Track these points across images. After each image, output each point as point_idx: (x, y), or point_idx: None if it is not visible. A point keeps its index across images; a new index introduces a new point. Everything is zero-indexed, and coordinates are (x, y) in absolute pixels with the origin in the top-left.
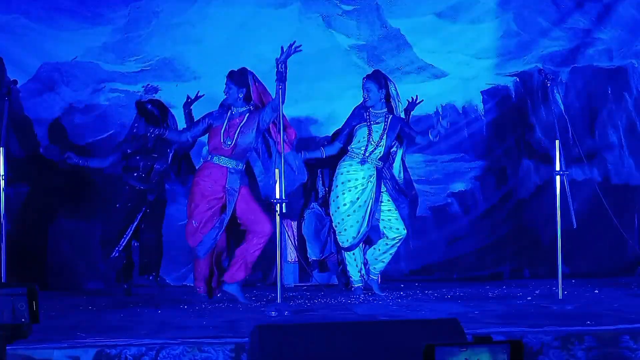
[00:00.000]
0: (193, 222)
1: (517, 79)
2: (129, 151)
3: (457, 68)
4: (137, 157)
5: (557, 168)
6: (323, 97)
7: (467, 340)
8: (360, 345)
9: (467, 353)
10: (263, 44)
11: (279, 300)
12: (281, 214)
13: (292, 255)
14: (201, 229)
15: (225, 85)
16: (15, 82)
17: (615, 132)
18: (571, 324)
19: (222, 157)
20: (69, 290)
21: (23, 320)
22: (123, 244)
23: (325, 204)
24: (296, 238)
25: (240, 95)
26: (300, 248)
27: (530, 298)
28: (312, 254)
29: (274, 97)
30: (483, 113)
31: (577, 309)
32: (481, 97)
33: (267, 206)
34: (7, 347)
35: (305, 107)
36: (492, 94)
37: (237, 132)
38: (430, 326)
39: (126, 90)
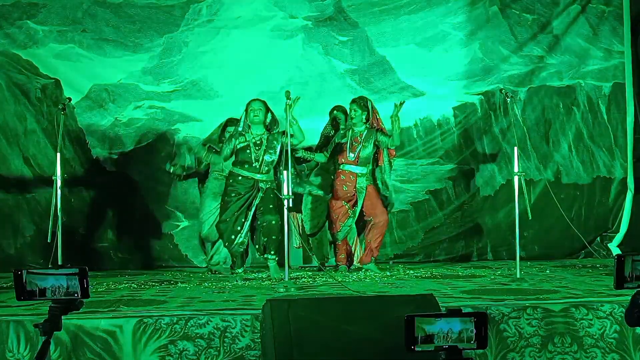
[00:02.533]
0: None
1: (483, 97)
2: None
3: (433, 88)
4: (248, 151)
5: (516, 170)
6: (322, 113)
7: (441, 312)
8: (352, 316)
9: (442, 322)
10: (274, 69)
11: (286, 279)
12: (288, 208)
13: (297, 241)
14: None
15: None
16: (69, 99)
17: (565, 140)
18: (527, 298)
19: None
20: (114, 270)
21: (76, 295)
22: (245, 230)
23: None
24: (301, 227)
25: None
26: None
27: (493, 277)
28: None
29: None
30: (454, 125)
31: (531, 286)
32: (453, 112)
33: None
34: (63, 318)
35: (307, 121)
36: (462, 110)
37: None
38: (410, 300)
39: (162, 107)
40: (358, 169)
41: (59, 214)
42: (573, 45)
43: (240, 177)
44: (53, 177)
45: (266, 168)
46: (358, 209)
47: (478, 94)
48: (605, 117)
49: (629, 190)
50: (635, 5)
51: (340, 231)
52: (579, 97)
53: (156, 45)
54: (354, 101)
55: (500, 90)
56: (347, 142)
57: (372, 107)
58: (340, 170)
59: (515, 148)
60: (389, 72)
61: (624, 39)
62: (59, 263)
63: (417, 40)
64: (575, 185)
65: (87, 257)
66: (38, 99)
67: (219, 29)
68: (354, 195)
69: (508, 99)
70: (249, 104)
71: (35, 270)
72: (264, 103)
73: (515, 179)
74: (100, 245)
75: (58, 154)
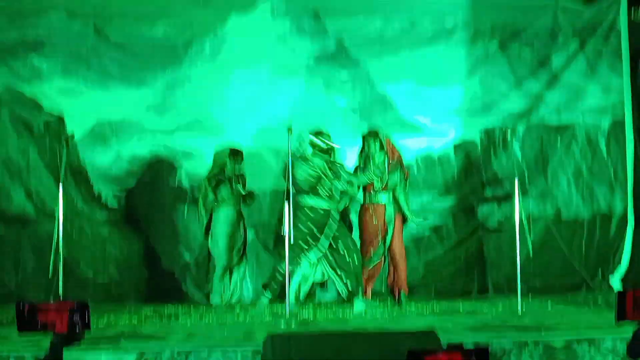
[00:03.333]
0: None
1: (482, 133)
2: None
3: (433, 124)
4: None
5: (516, 205)
6: None
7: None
8: (353, 352)
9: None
10: (276, 105)
11: (287, 314)
12: (289, 244)
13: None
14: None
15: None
16: (72, 134)
17: (564, 176)
18: (528, 334)
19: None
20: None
21: (77, 328)
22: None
23: None
24: None
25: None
26: None
27: (495, 313)
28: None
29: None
30: (455, 161)
31: (533, 321)
32: (453, 148)
33: None
34: (64, 351)
35: None
36: (462, 146)
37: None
38: (412, 336)
39: (165, 143)
40: (385, 197)
41: (60, 248)
42: (571, 81)
43: None
44: (55, 212)
45: None
46: (389, 239)
47: (478, 130)
48: (605, 152)
49: (629, 225)
50: (634, 40)
51: (370, 260)
52: (577, 133)
53: (160, 81)
54: (368, 135)
55: (501, 129)
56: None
57: (386, 137)
58: (367, 204)
59: (516, 184)
60: (390, 109)
61: (622, 75)
62: (60, 297)
63: (418, 76)
64: (575, 220)
65: (88, 291)
66: (41, 134)
67: (222, 66)
68: (385, 226)
69: (508, 136)
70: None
71: (37, 303)
72: None
73: (516, 214)
74: (102, 279)
75: (60, 189)
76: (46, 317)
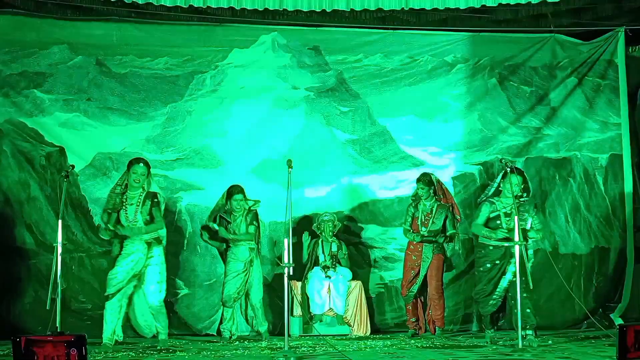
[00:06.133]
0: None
1: (481, 167)
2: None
3: (433, 158)
4: None
5: (516, 239)
6: (324, 181)
7: None
8: None
9: None
10: (276, 138)
11: (286, 348)
12: (288, 276)
13: (297, 310)
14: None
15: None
16: (72, 166)
17: (562, 211)
18: None
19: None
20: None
21: None
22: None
23: (325, 267)
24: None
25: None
26: (304, 304)
27: (495, 347)
28: (314, 309)
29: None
30: (454, 194)
31: (534, 356)
32: (452, 181)
33: None
34: None
35: (309, 190)
36: (461, 179)
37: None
38: None
39: (164, 175)
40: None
41: (59, 280)
42: (570, 117)
43: None
44: (54, 244)
45: None
46: (421, 277)
47: (477, 164)
48: (602, 188)
49: (629, 260)
50: (631, 76)
51: (407, 296)
52: (575, 169)
53: (160, 114)
54: (418, 180)
55: (500, 160)
56: (420, 216)
57: (437, 180)
58: (410, 241)
59: (516, 218)
60: (389, 142)
61: (620, 110)
62: (58, 330)
63: (417, 111)
64: (573, 255)
65: (86, 324)
66: (42, 167)
67: (223, 99)
68: (419, 264)
69: (507, 169)
70: None
71: (33, 337)
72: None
73: (516, 248)
74: (100, 312)
75: (60, 221)
76: (43, 351)
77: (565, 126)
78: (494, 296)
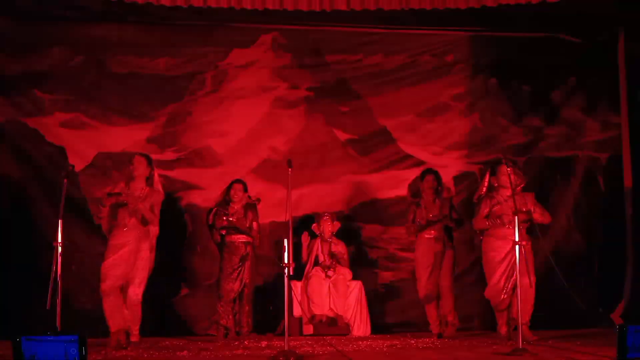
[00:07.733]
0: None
1: (482, 166)
2: None
3: (433, 158)
4: None
5: (517, 238)
6: (324, 181)
7: None
8: None
9: None
10: (276, 138)
11: (286, 348)
12: (289, 276)
13: (297, 310)
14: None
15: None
16: (73, 166)
17: (564, 211)
18: None
19: None
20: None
21: None
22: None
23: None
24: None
25: None
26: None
27: (495, 347)
28: (314, 309)
29: None
30: (455, 194)
31: (534, 356)
32: (453, 181)
33: None
34: None
35: (309, 188)
36: (462, 179)
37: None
38: None
39: (165, 175)
40: (434, 234)
41: (58, 279)
42: (570, 116)
43: None
44: (54, 244)
45: None
46: (435, 275)
47: (478, 163)
48: (603, 187)
49: (629, 259)
50: (632, 75)
51: (426, 296)
52: (576, 168)
53: (160, 114)
54: (429, 172)
55: (502, 159)
56: (423, 210)
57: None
58: (420, 238)
59: (516, 218)
60: (390, 142)
61: (620, 110)
62: (58, 330)
63: (418, 110)
64: (573, 254)
65: (86, 324)
66: (42, 166)
67: (223, 99)
68: (434, 260)
69: (509, 168)
70: None
71: (33, 337)
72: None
73: (516, 247)
74: (100, 312)
75: (60, 221)
76: (43, 351)
77: (566, 125)
78: (505, 290)
